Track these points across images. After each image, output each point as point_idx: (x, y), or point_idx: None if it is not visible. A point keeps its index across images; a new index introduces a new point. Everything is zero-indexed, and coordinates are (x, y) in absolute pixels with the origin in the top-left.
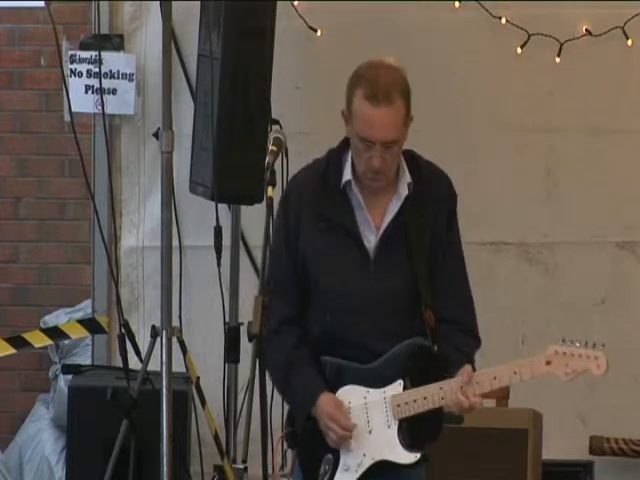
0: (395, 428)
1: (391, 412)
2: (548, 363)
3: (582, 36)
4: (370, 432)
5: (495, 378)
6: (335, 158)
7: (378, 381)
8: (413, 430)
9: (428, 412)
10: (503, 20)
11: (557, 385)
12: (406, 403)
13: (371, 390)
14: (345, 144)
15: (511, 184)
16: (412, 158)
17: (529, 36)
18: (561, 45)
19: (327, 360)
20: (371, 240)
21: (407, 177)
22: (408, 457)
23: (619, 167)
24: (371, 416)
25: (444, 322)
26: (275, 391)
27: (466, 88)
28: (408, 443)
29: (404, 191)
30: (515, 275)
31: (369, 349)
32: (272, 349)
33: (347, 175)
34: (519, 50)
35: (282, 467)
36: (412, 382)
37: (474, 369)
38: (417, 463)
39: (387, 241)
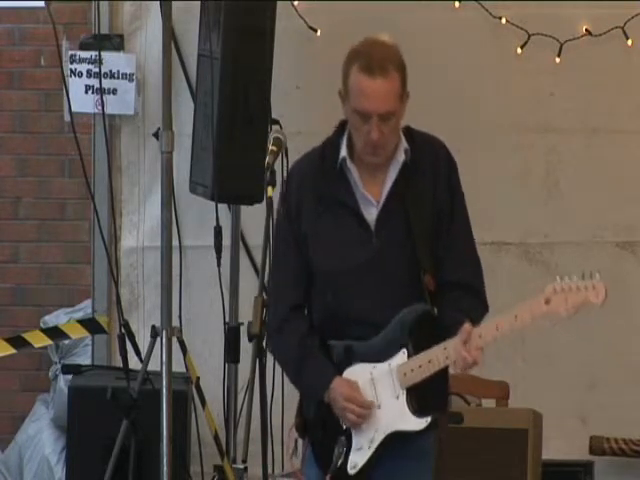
0: (403, 398)
1: (398, 382)
2: (547, 302)
3: (582, 36)
4: (379, 407)
5: (497, 328)
6: (332, 140)
7: (383, 354)
8: (421, 396)
9: (434, 375)
10: (503, 20)
11: (557, 385)
12: (412, 370)
13: (377, 365)
14: (340, 129)
15: (511, 184)
16: (408, 130)
17: (529, 36)
18: (561, 45)
19: (333, 344)
20: (372, 212)
21: (404, 144)
22: (418, 423)
23: (619, 167)
24: (379, 390)
25: (452, 287)
26: (275, 391)
27: (466, 88)
28: (417, 409)
29: (401, 157)
30: (515, 275)
31: (373, 323)
32: (284, 337)
33: (343, 152)
34: (519, 50)
35: (291, 459)
36: (416, 348)
37: None
38: (428, 428)
39: (387, 211)
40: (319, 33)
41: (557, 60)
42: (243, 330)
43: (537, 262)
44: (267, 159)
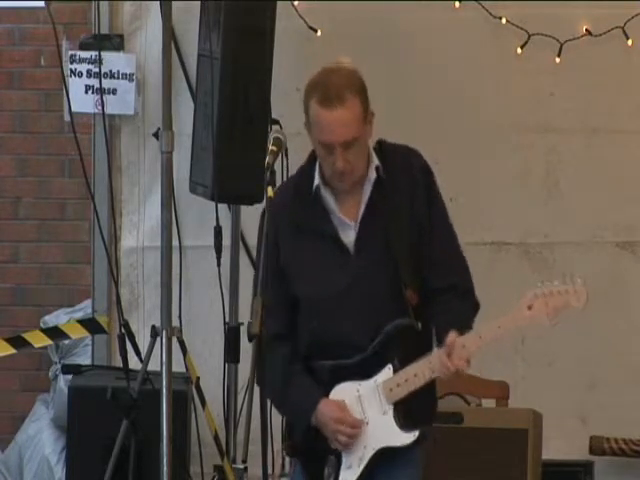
0: (390, 413)
1: (385, 398)
2: (529, 308)
3: (582, 36)
4: (367, 423)
5: (480, 337)
6: (305, 170)
7: (369, 371)
8: (408, 410)
9: (420, 389)
10: (503, 20)
11: (557, 385)
12: (398, 385)
13: (363, 382)
14: (312, 157)
15: (511, 184)
16: (380, 145)
17: (529, 36)
18: (561, 45)
19: (318, 365)
20: (350, 235)
21: (375, 161)
22: (406, 438)
23: (619, 167)
24: (365, 407)
25: (441, 291)
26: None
27: (466, 88)
28: (404, 424)
29: (373, 175)
30: (515, 275)
31: (358, 344)
32: (266, 367)
33: (316, 180)
34: (519, 50)
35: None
36: (401, 363)
37: (471, 329)
38: (417, 442)
39: (365, 231)
40: (319, 33)
41: (557, 60)
42: (243, 330)
43: (537, 262)
44: (267, 159)
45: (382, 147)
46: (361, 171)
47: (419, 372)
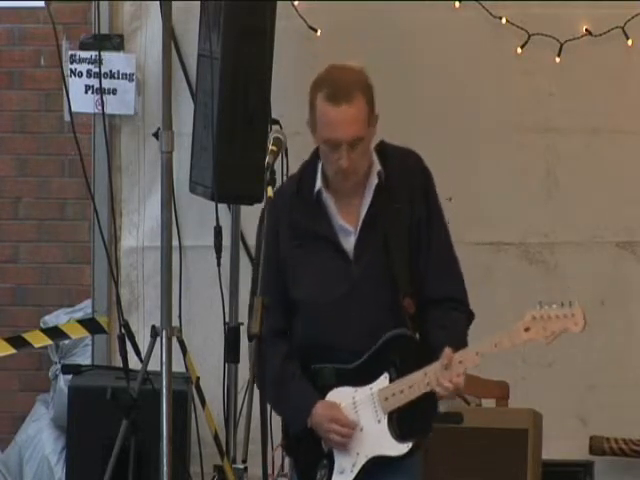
0: (385, 422)
1: (380, 407)
2: (527, 330)
3: (582, 36)
4: (361, 430)
5: (477, 353)
6: (308, 169)
7: (365, 378)
8: (403, 420)
9: (417, 399)
10: (503, 20)
11: (557, 385)
12: (393, 394)
13: (359, 389)
14: (316, 155)
15: (511, 184)
16: (381, 147)
17: (529, 36)
18: (561, 45)
19: (315, 368)
20: (350, 241)
21: (377, 166)
22: (400, 448)
23: (619, 167)
24: (361, 414)
25: (434, 303)
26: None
27: (466, 88)
28: (399, 434)
29: (374, 180)
30: (515, 275)
31: (354, 350)
32: (265, 361)
33: (318, 184)
34: (519, 50)
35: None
36: (398, 373)
37: (466, 344)
38: (411, 452)
39: (365, 238)
40: (319, 33)
41: (557, 60)
42: (243, 330)
43: (537, 262)
44: (267, 159)
45: (383, 149)
46: (363, 171)
47: (414, 384)
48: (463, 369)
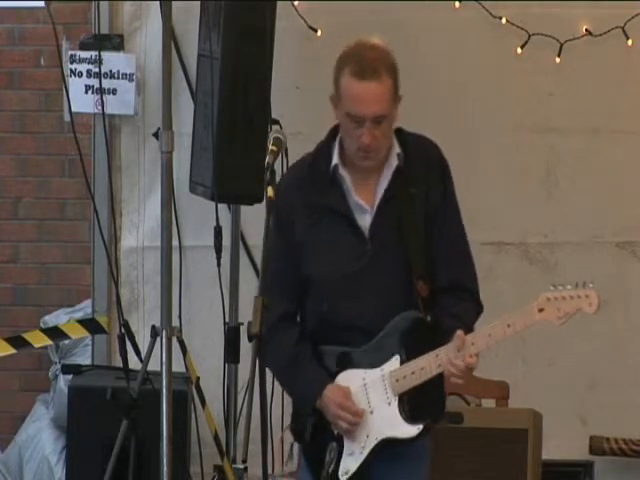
0: (395, 404)
1: (390, 389)
2: (540, 310)
3: (582, 36)
4: (372, 412)
5: (490, 335)
6: (324, 147)
7: (376, 360)
8: (413, 402)
9: (427, 382)
10: (503, 20)
11: (557, 385)
12: (404, 377)
13: (369, 370)
14: (332, 134)
15: (511, 184)
16: (399, 132)
17: (529, 36)
18: (561, 45)
19: (324, 349)
20: (366, 219)
21: (397, 149)
22: (410, 430)
23: (619, 167)
24: (371, 396)
25: (445, 290)
26: (275, 391)
27: (466, 88)
28: (409, 416)
29: (394, 161)
30: (515, 275)
31: (365, 329)
32: (273, 345)
33: (335, 160)
34: (519, 50)
35: (284, 464)
36: (409, 355)
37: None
38: (421, 435)
39: (381, 218)
40: (319, 33)
41: (557, 60)
42: (243, 330)
43: (537, 262)
44: (267, 159)
45: (401, 134)
46: (384, 151)
47: (426, 366)
48: (476, 350)
